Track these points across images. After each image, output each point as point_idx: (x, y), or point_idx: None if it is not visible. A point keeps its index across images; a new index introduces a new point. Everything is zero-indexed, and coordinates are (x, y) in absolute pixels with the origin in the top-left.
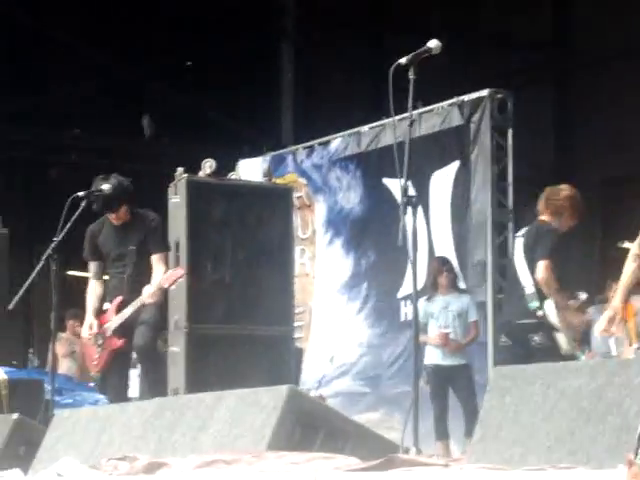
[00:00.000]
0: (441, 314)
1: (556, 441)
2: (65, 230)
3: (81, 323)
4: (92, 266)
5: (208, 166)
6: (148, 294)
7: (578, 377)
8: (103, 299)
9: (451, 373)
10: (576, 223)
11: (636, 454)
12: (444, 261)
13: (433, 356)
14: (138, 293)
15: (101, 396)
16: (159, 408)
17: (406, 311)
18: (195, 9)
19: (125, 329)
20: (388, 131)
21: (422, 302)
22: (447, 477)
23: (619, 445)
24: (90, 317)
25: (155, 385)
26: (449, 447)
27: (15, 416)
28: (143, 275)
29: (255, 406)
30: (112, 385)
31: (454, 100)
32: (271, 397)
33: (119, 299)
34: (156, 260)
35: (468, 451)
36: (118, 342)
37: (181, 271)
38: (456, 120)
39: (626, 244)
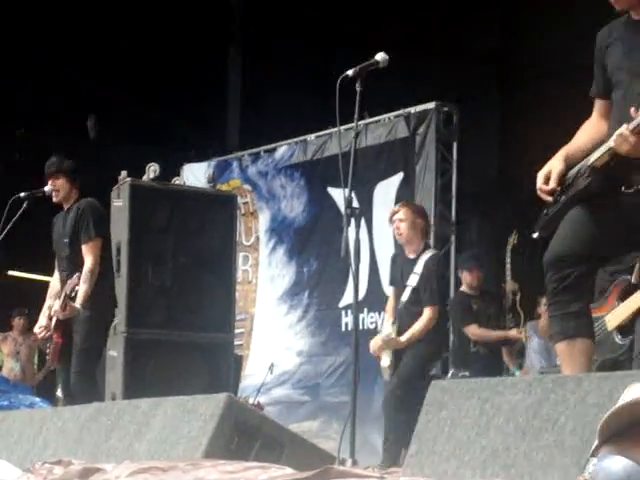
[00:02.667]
0: None
1: (491, 456)
2: (5, 231)
3: (29, 321)
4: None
5: (152, 170)
6: (57, 307)
7: (514, 393)
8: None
9: None
10: None
11: (585, 469)
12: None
13: None
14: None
15: (37, 399)
16: (95, 413)
17: (347, 321)
18: (144, 11)
19: (64, 325)
20: (334, 140)
21: None
22: None
23: (553, 462)
24: (43, 314)
25: None
26: None
27: None
28: (79, 270)
29: (192, 413)
30: (62, 381)
31: (401, 112)
32: (208, 405)
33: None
34: (84, 251)
35: (403, 464)
36: (57, 340)
37: (77, 279)
38: (402, 132)
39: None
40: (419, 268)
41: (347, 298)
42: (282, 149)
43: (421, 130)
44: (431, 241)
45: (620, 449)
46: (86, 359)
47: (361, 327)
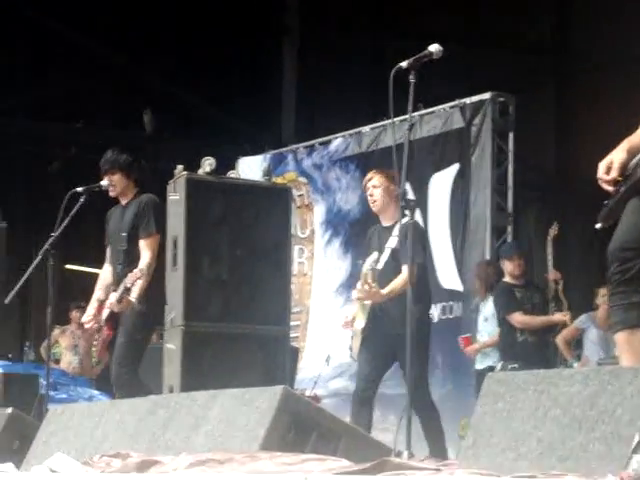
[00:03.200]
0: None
1: (547, 448)
2: (63, 225)
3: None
4: (107, 250)
5: (208, 164)
6: (114, 300)
7: (571, 384)
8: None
9: None
10: None
11: (628, 465)
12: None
13: (487, 361)
14: None
15: (96, 392)
16: (153, 406)
17: None
18: (198, 5)
19: (115, 320)
20: (389, 132)
21: (478, 305)
22: None
23: (610, 453)
24: (91, 305)
25: None
26: None
27: (9, 410)
28: (135, 264)
29: (249, 406)
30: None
31: (456, 102)
32: (265, 397)
33: (113, 289)
34: (142, 246)
35: (459, 456)
36: (108, 332)
37: (139, 272)
38: (457, 123)
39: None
40: (396, 231)
41: None
42: (337, 141)
43: (477, 121)
44: (488, 232)
45: None
46: (133, 352)
47: None
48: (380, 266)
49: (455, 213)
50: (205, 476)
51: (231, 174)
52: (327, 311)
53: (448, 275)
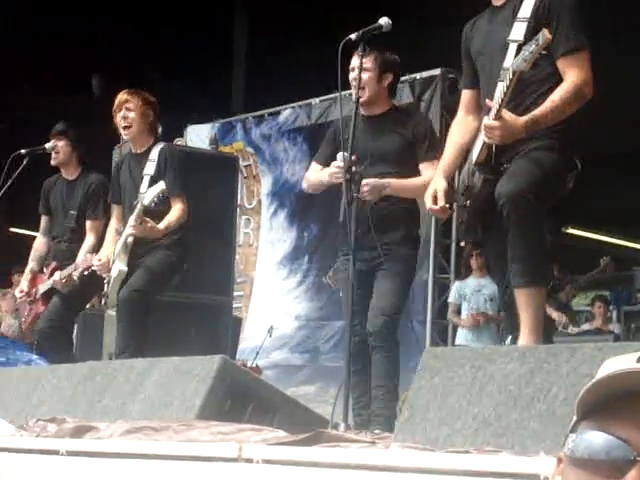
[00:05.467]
0: (473, 296)
1: (482, 424)
2: (5, 188)
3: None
4: (42, 220)
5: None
6: (58, 278)
7: (507, 362)
8: (46, 258)
9: None
10: None
11: (564, 444)
12: (476, 244)
13: (464, 338)
14: (71, 261)
15: (35, 356)
16: (90, 372)
17: None
18: None
19: (49, 295)
20: (338, 105)
21: (456, 283)
22: (371, 456)
23: (544, 432)
24: (24, 277)
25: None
26: None
27: None
28: (80, 243)
29: (187, 375)
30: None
31: (406, 78)
32: (203, 366)
33: (53, 264)
34: (88, 227)
35: (395, 430)
36: (41, 308)
37: (92, 260)
38: (406, 98)
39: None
40: (154, 156)
41: None
42: (286, 112)
43: (426, 96)
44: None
45: (598, 424)
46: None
47: None
48: (146, 199)
49: None
50: (140, 443)
51: (178, 141)
52: (271, 282)
53: None
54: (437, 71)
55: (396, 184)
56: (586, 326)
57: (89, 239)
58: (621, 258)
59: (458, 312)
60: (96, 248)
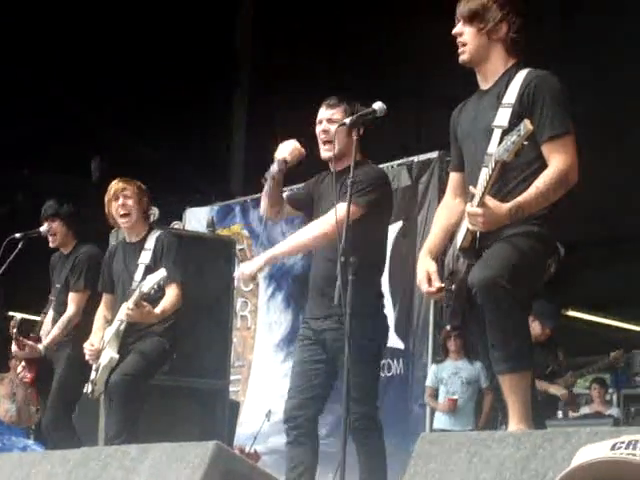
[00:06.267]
0: (450, 380)
1: None
2: (0, 271)
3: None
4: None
5: (151, 214)
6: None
7: (503, 447)
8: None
9: None
10: None
11: None
12: (453, 326)
13: (442, 422)
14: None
15: (31, 442)
16: (84, 458)
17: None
18: (150, 54)
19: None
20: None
21: (433, 367)
22: None
23: None
24: None
25: None
26: None
27: None
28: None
29: (181, 461)
30: None
31: (403, 160)
32: (197, 453)
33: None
34: (69, 299)
35: None
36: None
37: (38, 351)
38: (404, 181)
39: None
40: (150, 244)
41: None
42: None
43: (424, 179)
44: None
45: None
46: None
47: None
48: (145, 286)
49: (395, 271)
50: None
51: (175, 225)
52: (268, 365)
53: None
54: (434, 154)
55: None
56: (585, 409)
57: (68, 310)
58: (619, 340)
59: (435, 396)
60: (74, 321)
